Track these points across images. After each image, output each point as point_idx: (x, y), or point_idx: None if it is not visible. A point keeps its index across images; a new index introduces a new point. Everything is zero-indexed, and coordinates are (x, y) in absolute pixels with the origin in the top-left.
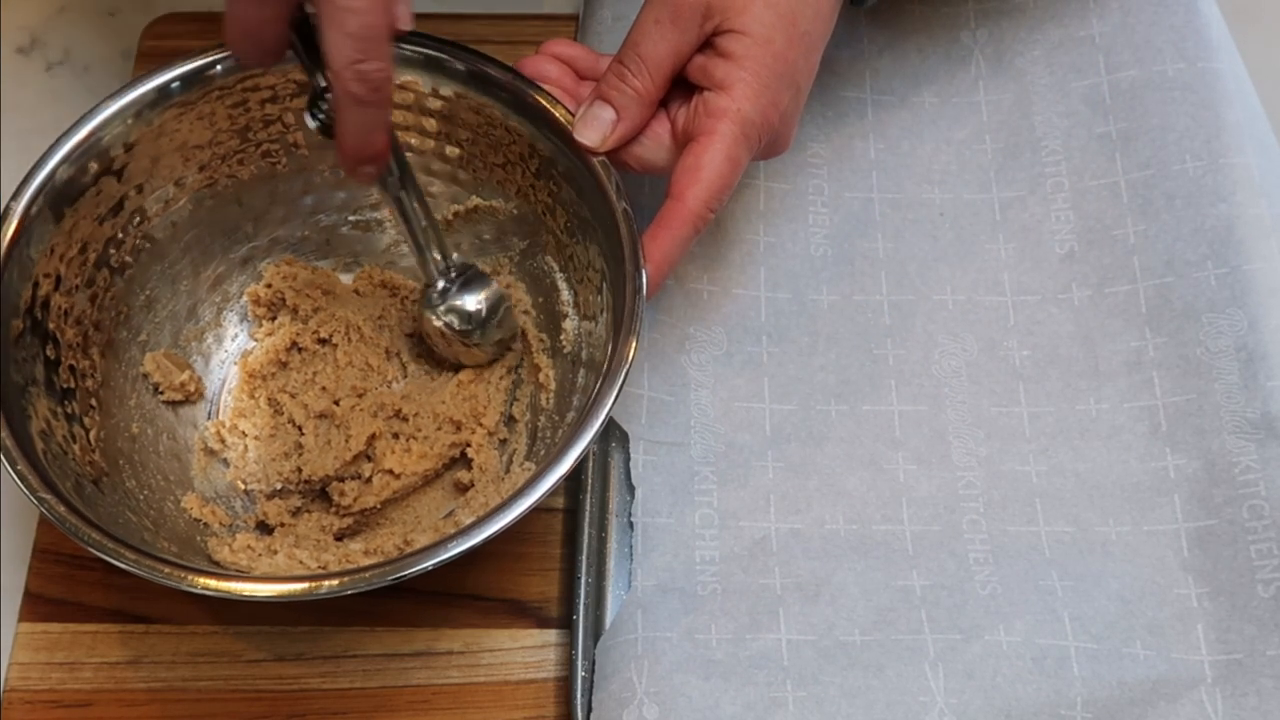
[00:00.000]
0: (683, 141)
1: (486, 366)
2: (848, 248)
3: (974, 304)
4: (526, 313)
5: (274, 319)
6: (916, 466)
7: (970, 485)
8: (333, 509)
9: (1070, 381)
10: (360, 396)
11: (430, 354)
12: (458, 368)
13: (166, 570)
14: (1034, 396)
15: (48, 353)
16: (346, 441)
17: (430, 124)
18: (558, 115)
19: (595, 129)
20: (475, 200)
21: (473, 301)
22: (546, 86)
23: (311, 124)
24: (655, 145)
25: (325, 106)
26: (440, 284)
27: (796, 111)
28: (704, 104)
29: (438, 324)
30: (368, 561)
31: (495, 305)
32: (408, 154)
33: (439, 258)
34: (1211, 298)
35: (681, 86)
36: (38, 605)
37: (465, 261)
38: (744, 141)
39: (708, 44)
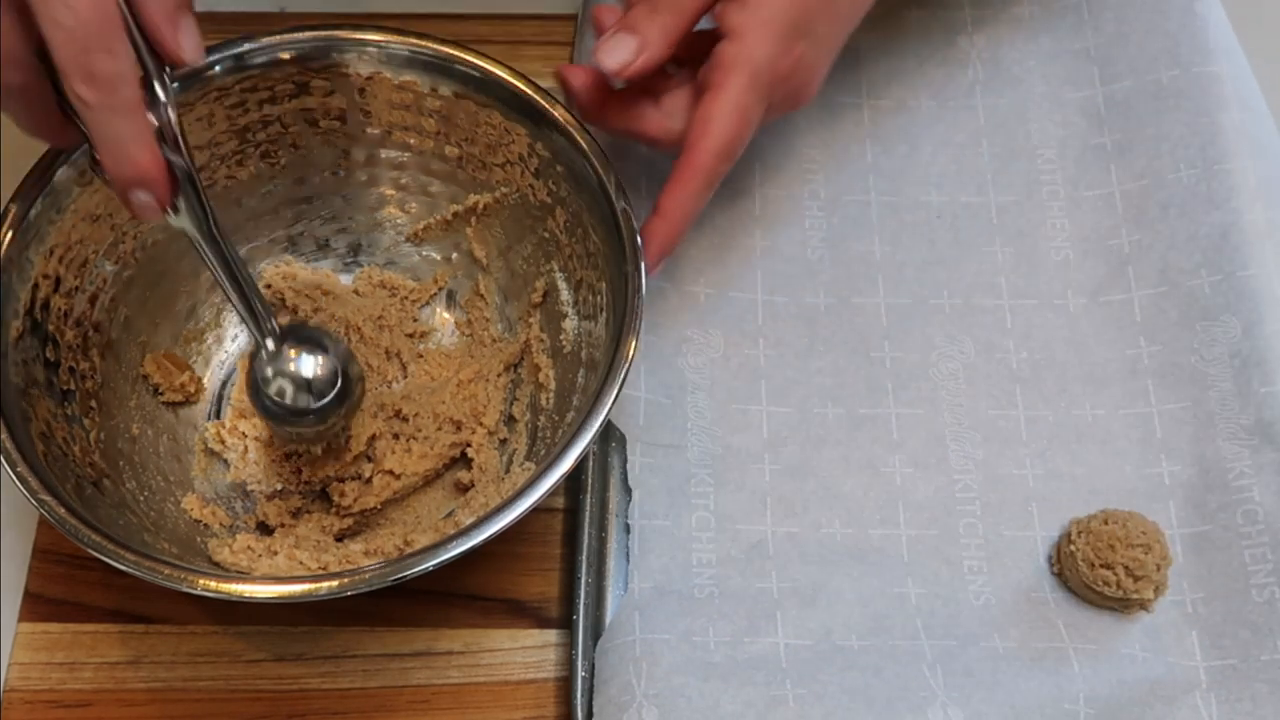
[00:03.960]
0: (698, 95)
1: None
2: (844, 251)
3: (971, 307)
4: (531, 311)
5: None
6: (914, 469)
7: (967, 489)
8: (333, 510)
9: (1066, 386)
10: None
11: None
12: (458, 369)
13: (166, 572)
14: (1031, 400)
15: (47, 354)
16: (346, 442)
17: (429, 124)
18: (557, 115)
19: (619, 53)
20: (474, 199)
21: (309, 366)
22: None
23: (90, 163)
24: (680, 115)
25: None
26: (269, 344)
27: (817, 62)
28: (716, 55)
29: (276, 412)
30: (368, 562)
31: (338, 365)
32: (406, 154)
33: (260, 318)
34: (1205, 305)
35: (704, 51)
36: (38, 605)
37: (295, 323)
38: (753, 91)
39: None
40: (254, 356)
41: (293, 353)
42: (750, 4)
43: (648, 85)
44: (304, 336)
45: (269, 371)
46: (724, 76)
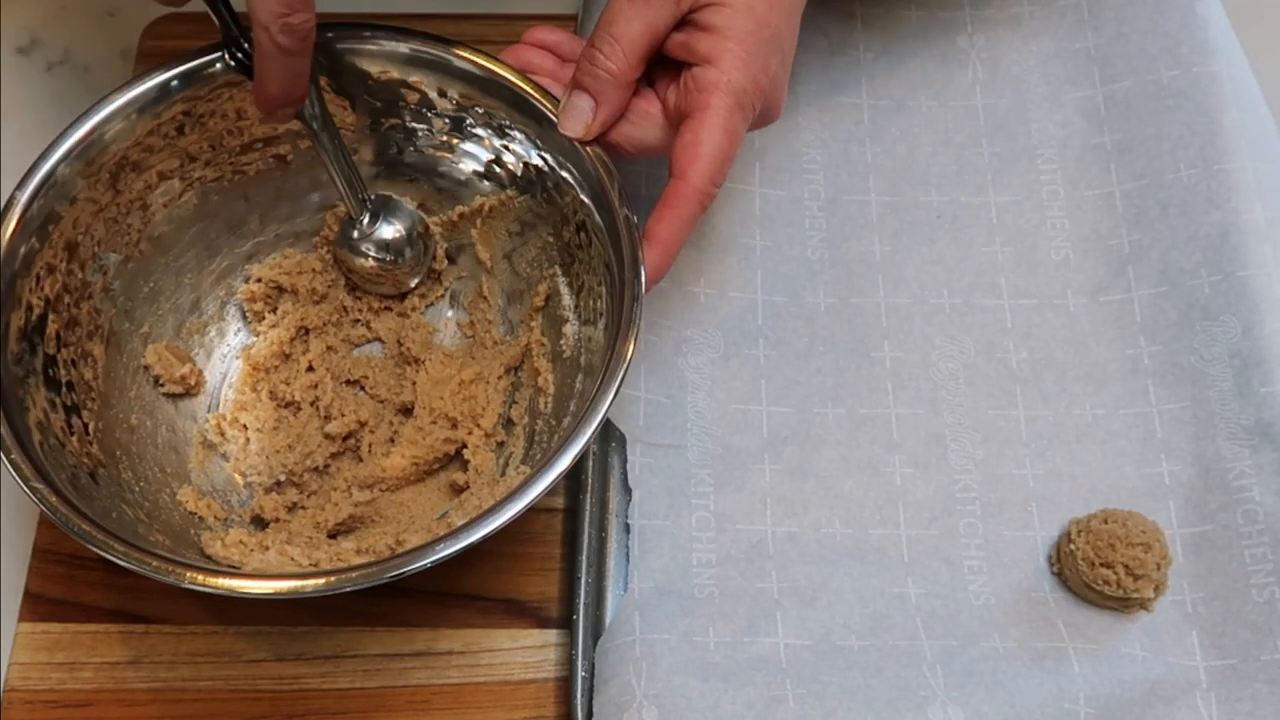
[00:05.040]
0: (676, 120)
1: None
2: (844, 251)
3: (971, 307)
4: (533, 315)
5: (275, 310)
6: (913, 469)
7: (967, 489)
8: (345, 485)
9: (1066, 386)
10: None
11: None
12: (463, 363)
13: (155, 564)
14: (1031, 400)
15: (48, 344)
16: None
17: (438, 124)
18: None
19: (576, 120)
20: (480, 201)
21: (390, 230)
22: (534, 76)
23: (230, 63)
24: (647, 124)
25: (246, 47)
26: (364, 220)
27: (785, 77)
28: (693, 80)
29: (364, 261)
30: (359, 560)
31: (411, 229)
32: (416, 154)
33: (359, 194)
34: (1206, 305)
35: (668, 65)
36: (38, 605)
37: (382, 194)
38: (739, 112)
39: (686, 20)
40: (345, 222)
41: (377, 220)
42: (718, 30)
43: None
44: (386, 208)
45: (359, 234)
46: (708, 100)
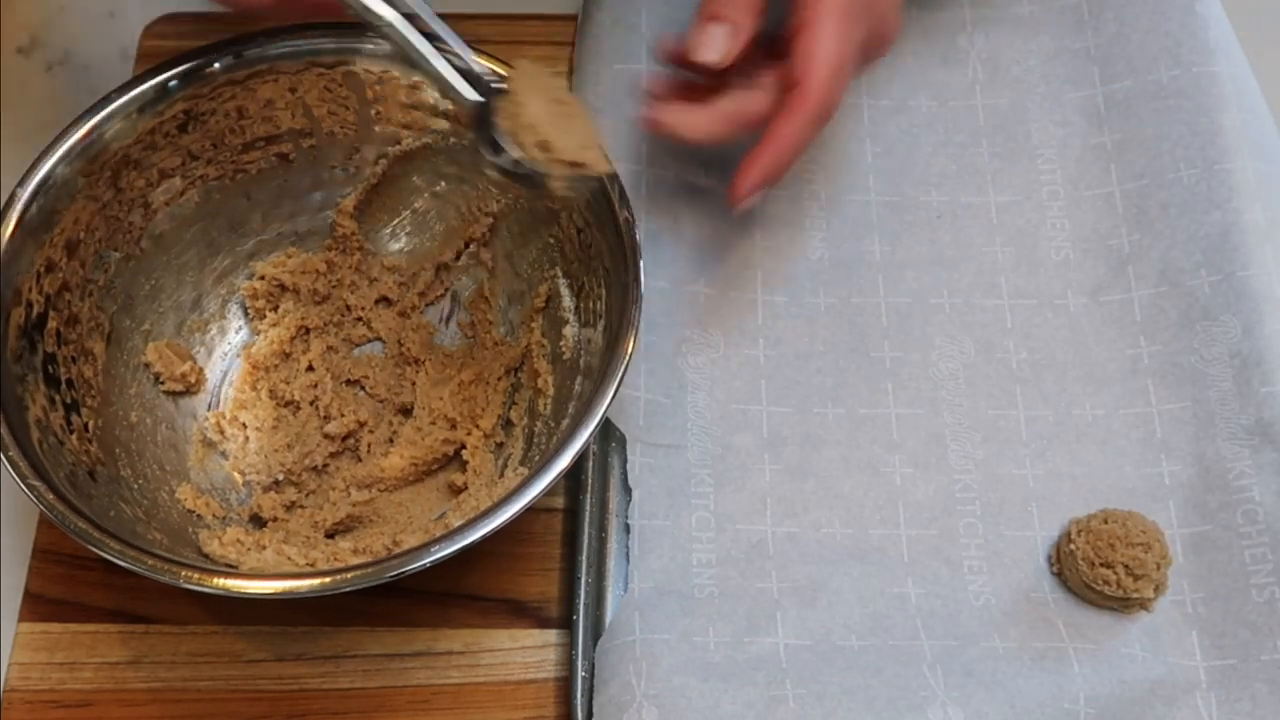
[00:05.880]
0: (785, 48)
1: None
2: (844, 250)
3: (971, 306)
4: (533, 316)
5: (276, 309)
6: (913, 470)
7: (967, 489)
8: (343, 485)
9: (1066, 386)
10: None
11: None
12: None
13: (150, 562)
14: (1031, 400)
15: (47, 342)
16: (357, 411)
17: (440, 124)
18: None
19: (716, 45)
20: None
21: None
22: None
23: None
24: (748, 94)
25: None
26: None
27: (895, 1)
28: (798, 2)
29: (495, 175)
30: (355, 560)
31: None
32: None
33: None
34: (1206, 305)
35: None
36: (38, 605)
37: (495, 84)
38: (849, 19)
39: None
40: (472, 119)
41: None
42: None
43: (728, 83)
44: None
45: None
46: (815, 12)
